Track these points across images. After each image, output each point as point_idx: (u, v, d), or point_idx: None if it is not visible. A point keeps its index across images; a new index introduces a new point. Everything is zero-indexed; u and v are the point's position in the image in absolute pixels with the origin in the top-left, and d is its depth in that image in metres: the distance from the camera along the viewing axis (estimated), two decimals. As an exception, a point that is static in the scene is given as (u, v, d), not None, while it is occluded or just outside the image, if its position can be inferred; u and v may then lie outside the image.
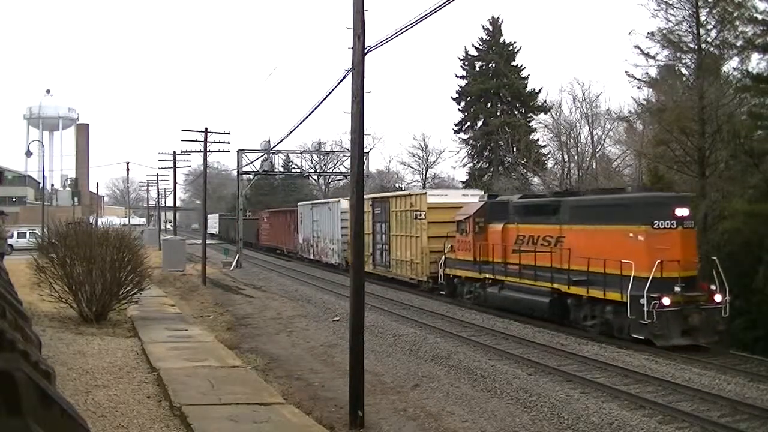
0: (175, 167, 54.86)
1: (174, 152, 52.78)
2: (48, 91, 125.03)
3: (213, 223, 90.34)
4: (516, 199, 22.63)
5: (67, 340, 14.30)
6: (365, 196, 36.34)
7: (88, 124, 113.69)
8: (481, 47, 53.62)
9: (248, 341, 18.05)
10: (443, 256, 25.60)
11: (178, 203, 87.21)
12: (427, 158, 67.18)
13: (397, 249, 30.20)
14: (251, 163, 49.18)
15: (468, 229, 23.57)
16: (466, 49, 54.18)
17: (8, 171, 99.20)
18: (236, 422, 8.78)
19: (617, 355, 15.62)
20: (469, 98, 53.49)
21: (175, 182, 57.92)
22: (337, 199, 39.48)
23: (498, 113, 52.73)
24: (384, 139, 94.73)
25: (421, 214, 27.58)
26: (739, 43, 30.54)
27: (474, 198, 27.18)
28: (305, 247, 45.14)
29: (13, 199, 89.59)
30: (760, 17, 28.45)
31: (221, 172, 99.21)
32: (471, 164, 55.06)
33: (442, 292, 26.07)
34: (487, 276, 22.56)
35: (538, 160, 46.39)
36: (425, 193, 28.72)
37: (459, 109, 54.74)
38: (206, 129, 36.73)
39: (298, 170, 57.18)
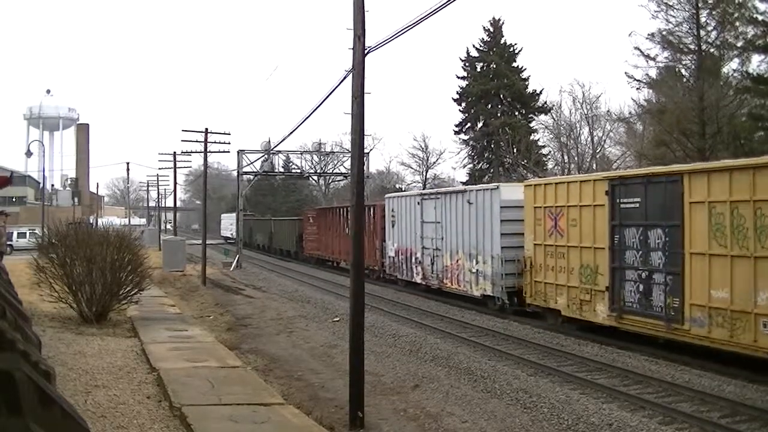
0: (175, 167, 54.87)
1: (174, 152, 52.84)
2: (48, 91, 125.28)
3: (228, 224, 77.15)
4: None
5: (67, 340, 14.30)
6: (593, 176, 19.03)
7: (88, 124, 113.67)
8: (482, 48, 53.68)
9: (248, 342, 18.04)
10: None
11: (179, 203, 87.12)
12: (428, 159, 67.35)
13: (709, 283, 13.84)
14: (251, 163, 49.20)
15: None
16: (467, 50, 54.29)
17: (8, 171, 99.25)
18: (236, 422, 8.78)
19: (617, 356, 15.61)
20: (469, 99, 53.54)
21: (175, 182, 57.94)
22: (494, 185, 23.34)
23: (498, 114, 52.78)
24: (384, 139, 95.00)
25: None
26: (739, 44, 30.54)
27: None
28: (402, 263, 28.77)
29: (13, 199, 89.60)
30: (760, 18, 28.45)
31: (221, 172, 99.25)
32: (471, 165, 55.14)
33: None
34: None
35: (538, 161, 46.44)
36: None
37: (459, 110, 54.83)
38: (206, 129, 36.81)
39: (299, 171, 57.19)
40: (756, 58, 30.31)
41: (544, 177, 43.90)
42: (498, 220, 21.51)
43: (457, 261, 23.94)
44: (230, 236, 75.16)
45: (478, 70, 53.88)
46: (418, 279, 27.15)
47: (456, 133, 55.57)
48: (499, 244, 21.36)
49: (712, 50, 32.03)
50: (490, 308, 22.08)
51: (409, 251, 27.94)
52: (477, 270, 22.57)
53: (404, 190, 68.78)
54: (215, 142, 38.19)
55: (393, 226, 29.61)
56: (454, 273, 24.22)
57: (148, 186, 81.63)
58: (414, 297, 26.31)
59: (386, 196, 32.79)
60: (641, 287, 15.75)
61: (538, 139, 51.03)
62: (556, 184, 19.47)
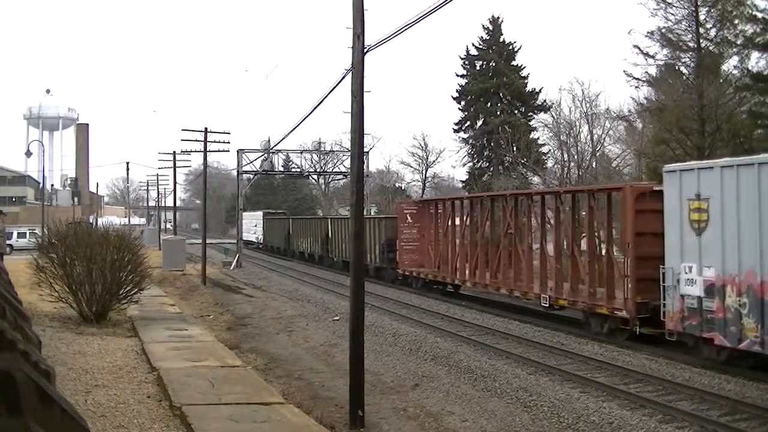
0: (175, 167, 54.88)
1: (174, 152, 52.81)
2: (48, 91, 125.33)
3: (251, 225, 63.34)
4: None
5: (67, 340, 14.30)
6: None
7: (88, 124, 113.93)
8: (481, 46, 53.65)
9: (248, 341, 18.05)
10: None
11: (178, 203, 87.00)
12: (427, 158, 67.26)
13: None
14: (251, 162, 49.22)
15: None
16: (467, 49, 54.26)
17: (8, 171, 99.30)
18: (236, 422, 8.78)
19: (617, 354, 15.62)
20: (469, 97, 53.50)
21: (175, 182, 57.94)
22: None
23: (498, 112, 52.71)
24: (384, 138, 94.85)
25: None
26: (738, 42, 30.51)
27: None
28: (734, 312, 13.29)
29: (13, 199, 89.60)
30: (759, 15, 28.44)
31: (221, 171, 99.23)
32: (471, 164, 55.07)
33: None
34: None
35: (537, 159, 46.38)
36: None
37: (459, 109, 54.77)
38: (206, 129, 36.80)
39: (298, 170, 57.17)
40: (755, 56, 30.32)
41: (543, 176, 43.91)
42: None
43: None
44: (255, 240, 63.08)
45: (478, 68, 53.84)
46: None
47: (455, 131, 55.53)
48: None
49: (711, 48, 32.01)
50: None
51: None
52: None
53: (404, 189, 68.86)
54: (215, 142, 38.24)
55: (700, 231, 14.30)
56: None
57: (147, 185, 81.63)
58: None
59: (670, 168, 15.85)
60: None
61: (538, 138, 50.96)
62: None
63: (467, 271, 24.96)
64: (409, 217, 30.29)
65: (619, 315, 16.66)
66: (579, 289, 19.15)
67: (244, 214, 60.63)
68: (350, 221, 12.20)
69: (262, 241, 61.42)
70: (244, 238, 60.59)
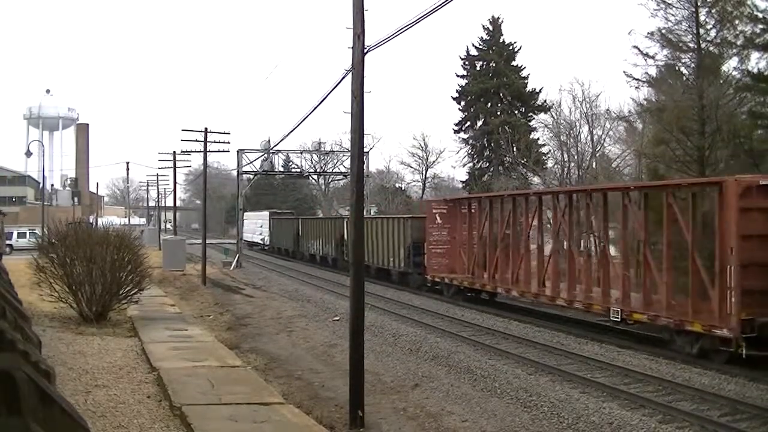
0: (175, 167, 54.84)
1: (174, 152, 52.76)
2: (48, 91, 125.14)
3: (256, 226, 61.11)
4: None
5: (67, 340, 14.31)
6: None
7: (88, 124, 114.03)
8: (481, 47, 53.69)
9: (248, 341, 18.05)
10: None
11: (178, 203, 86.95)
12: (427, 158, 67.26)
13: None
14: (251, 162, 49.24)
15: None
16: (467, 49, 54.29)
17: (8, 171, 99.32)
18: (236, 422, 8.78)
19: (617, 354, 15.62)
20: (469, 98, 53.52)
21: (175, 182, 57.90)
22: None
23: (498, 113, 52.73)
24: (384, 138, 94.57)
25: None
26: (738, 42, 30.48)
27: None
28: None
29: (13, 199, 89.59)
30: (760, 15, 28.42)
31: (221, 171, 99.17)
32: (471, 164, 55.08)
33: None
34: None
35: (538, 159, 46.39)
36: None
37: (459, 109, 54.79)
38: (206, 129, 36.82)
39: (298, 170, 57.13)
40: (755, 56, 30.26)
41: (543, 176, 43.86)
42: None
43: None
44: (259, 242, 60.45)
45: (478, 68, 53.87)
46: None
47: (455, 131, 55.53)
48: None
49: (711, 48, 31.98)
50: None
51: None
52: None
53: (404, 190, 68.85)
54: (215, 142, 38.24)
55: None
56: None
57: (147, 186, 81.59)
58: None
59: None
60: None
61: (538, 138, 50.95)
62: None
63: (510, 278, 21.92)
64: (438, 218, 27.16)
65: (717, 334, 13.94)
66: (655, 301, 16.40)
67: (247, 214, 59.41)
68: (350, 221, 12.19)
69: (267, 243, 58.84)
70: (249, 239, 60.07)
